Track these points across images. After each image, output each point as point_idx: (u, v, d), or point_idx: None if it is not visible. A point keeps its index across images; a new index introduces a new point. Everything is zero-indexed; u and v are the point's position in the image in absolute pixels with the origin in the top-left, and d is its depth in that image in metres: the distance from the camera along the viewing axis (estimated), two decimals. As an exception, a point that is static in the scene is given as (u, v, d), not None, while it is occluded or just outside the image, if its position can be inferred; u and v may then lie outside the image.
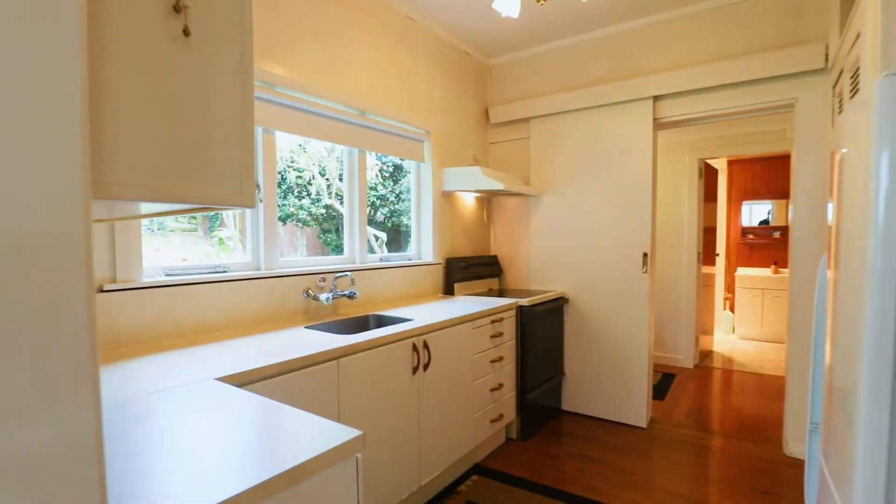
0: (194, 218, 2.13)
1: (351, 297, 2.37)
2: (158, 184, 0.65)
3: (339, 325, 2.25)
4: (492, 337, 2.60)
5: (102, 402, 0.65)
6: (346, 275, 2.32)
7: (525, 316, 2.86)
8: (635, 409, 3.11)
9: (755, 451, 2.78)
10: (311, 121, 2.35)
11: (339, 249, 2.71)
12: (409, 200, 3.17)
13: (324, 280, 2.35)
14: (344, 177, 2.67)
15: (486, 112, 3.70)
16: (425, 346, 2.09)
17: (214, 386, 1.23)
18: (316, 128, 2.37)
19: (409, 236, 3.18)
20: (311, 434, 0.91)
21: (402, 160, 3.09)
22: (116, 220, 1.45)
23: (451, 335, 2.26)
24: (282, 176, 2.51)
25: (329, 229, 2.71)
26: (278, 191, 2.49)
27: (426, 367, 2.10)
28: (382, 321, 2.39)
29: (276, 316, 2.14)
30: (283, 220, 2.35)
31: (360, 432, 0.91)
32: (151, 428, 0.96)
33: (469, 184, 3.07)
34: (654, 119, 3.02)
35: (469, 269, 3.28)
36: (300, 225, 2.53)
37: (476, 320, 2.46)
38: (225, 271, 2.04)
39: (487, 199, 3.71)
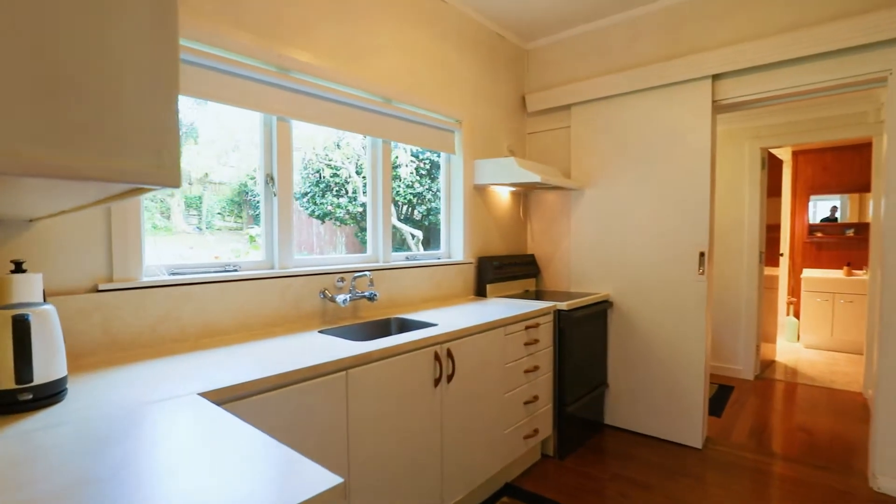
0: (240, 217, 2.02)
1: (371, 298, 2.19)
2: (31, 153, 0.47)
3: (356, 330, 2.07)
4: (526, 344, 2.36)
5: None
6: (365, 275, 2.14)
7: (564, 321, 2.59)
8: (688, 426, 2.78)
9: (832, 483, 2.40)
10: (330, 109, 2.18)
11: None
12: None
13: (342, 280, 2.18)
14: (367, 169, 2.50)
15: (523, 100, 3.44)
16: (449, 354, 1.88)
17: (192, 404, 1.06)
18: (335, 116, 2.20)
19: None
20: (276, 482, 0.72)
21: (436, 155, 2.89)
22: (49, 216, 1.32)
23: (479, 342, 2.04)
24: (319, 175, 2.39)
25: (366, 228, 2.58)
26: (316, 189, 2.36)
27: (450, 378, 1.89)
28: (405, 325, 2.20)
29: (289, 319, 1.99)
30: (322, 218, 2.22)
31: (341, 480, 0.71)
32: (50, 465, 0.79)
33: (503, 176, 2.84)
34: (713, 101, 2.68)
35: (503, 269, 3.04)
36: (338, 224, 2.40)
37: (508, 326, 2.22)
38: (235, 270, 1.91)
39: (524, 194, 3.45)
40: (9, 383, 1.04)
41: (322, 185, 2.33)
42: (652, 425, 2.91)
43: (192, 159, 1.92)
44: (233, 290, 1.81)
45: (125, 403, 1.07)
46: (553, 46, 3.32)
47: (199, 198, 1.75)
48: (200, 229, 1.83)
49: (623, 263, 2.99)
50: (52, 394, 1.09)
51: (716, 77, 2.65)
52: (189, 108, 1.93)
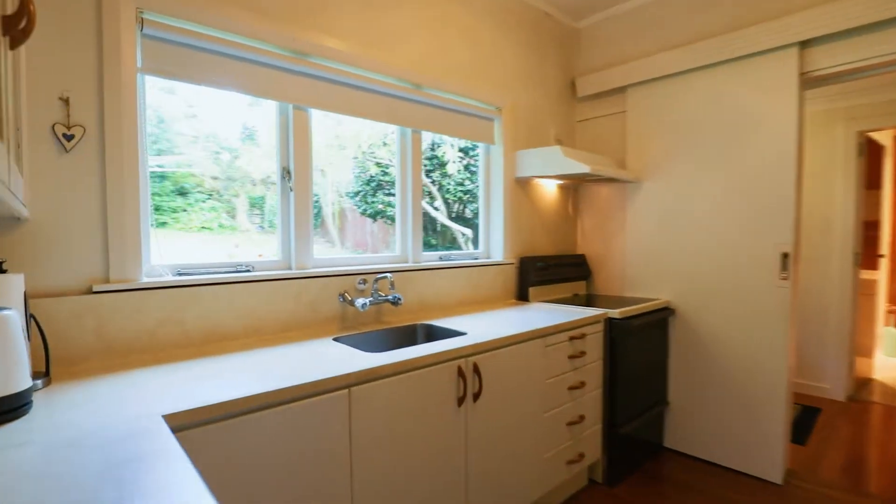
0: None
1: (395, 303, 2.00)
2: None
3: (376, 338, 1.89)
4: (571, 357, 2.07)
5: None
6: (386, 276, 1.95)
7: (616, 330, 2.28)
8: (766, 455, 2.37)
9: (961, 541, 1.93)
10: (352, 96, 2.01)
11: (427, 248, 2.46)
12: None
13: (364, 282, 2.00)
14: (395, 161, 2.31)
15: (572, 84, 3.12)
16: (476, 369, 1.65)
17: (142, 433, 0.90)
18: (358, 104, 2.03)
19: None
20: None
21: (474, 147, 2.65)
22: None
23: (513, 355, 1.79)
24: (372, 175, 2.25)
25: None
26: (367, 188, 2.23)
27: (476, 396, 1.66)
28: (433, 333, 1.99)
29: (304, 323, 1.84)
30: (374, 216, 2.18)
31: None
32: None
33: (549, 167, 2.55)
34: (801, 74, 2.25)
35: (548, 270, 2.76)
36: (391, 222, 2.26)
37: (549, 336, 1.95)
38: (248, 270, 1.77)
39: (573, 188, 3.13)
40: None
41: (373, 184, 2.20)
42: (721, 452, 2.52)
43: (253, 160, 1.85)
44: (242, 291, 1.67)
45: (72, 428, 0.93)
46: (606, 23, 2.97)
47: (262, 198, 1.75)
48: (263, 228, 1.82)
49: (687, 265, 2.61)
50: (8, 409, 0.97)
51: (804, 44, 2.22)
52: (246, 110, 1.83)
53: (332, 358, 1.44)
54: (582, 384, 2.14)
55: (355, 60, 1.97)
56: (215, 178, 1.58)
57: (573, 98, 3.13)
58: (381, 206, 2.29)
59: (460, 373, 1.59)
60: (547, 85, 2.93)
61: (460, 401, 1.60)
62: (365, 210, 2.26)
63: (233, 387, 1.16)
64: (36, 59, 1.30)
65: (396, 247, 2.31)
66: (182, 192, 1.54)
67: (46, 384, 1.22)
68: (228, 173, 1.62)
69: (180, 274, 1.62)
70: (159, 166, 1.53)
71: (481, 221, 2.72)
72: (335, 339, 1.72)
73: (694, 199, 2.58)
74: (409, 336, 2.00)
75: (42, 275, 1.32)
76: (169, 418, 0.99)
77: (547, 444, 1.97)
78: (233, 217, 1.63)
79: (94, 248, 1.40)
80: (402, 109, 2.19)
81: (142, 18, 1.47)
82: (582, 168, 2.40)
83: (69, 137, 1.35)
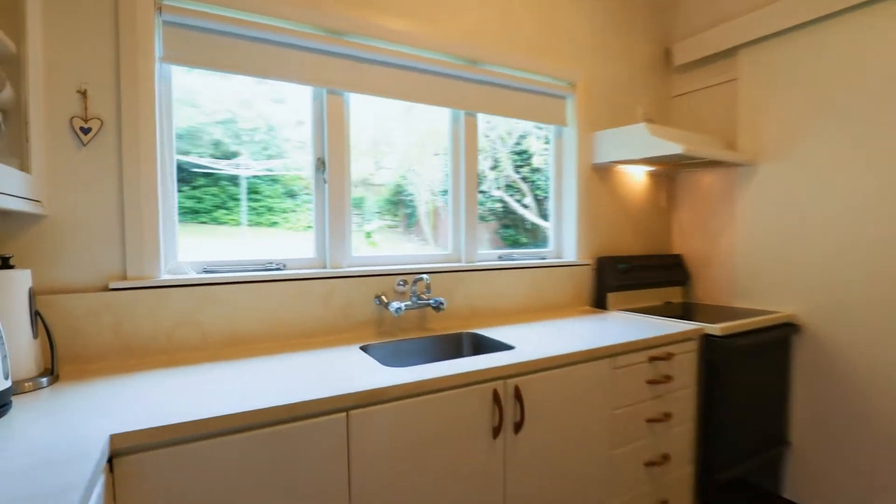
0: (396, 216, 1.86)
1: (437, 307, 1.77)
2: None
3: (412, 348, 1.67)
4: (651, 382, 1.68)
5: None
6: (422, 278, 1.72)
7: (715, 351, 1.82)
8: (940, 534, 1.74)
9: None
10: (394, 76, 1.81)
11: (516, 246, 2.29)
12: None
13: (404, 283, 1.80)
14: (448, 147, 2.07)
15: (666, 53, 2.63)
16: (517, 394, 1.35)
17: (82, 457, 0.77)
18: (401, 85, 1.83)
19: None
20: None
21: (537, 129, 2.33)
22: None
23: (569, 378, 1.46)
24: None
25: (508, 224, 2.25)
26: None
27: (518, 426, 1.36)
28: (481, 345, 1.73)
29: (335, 328, 1.68)
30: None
31: None
32: None
33: (632, 150, 2.13)
34: None
35: (632, 273, 2.33)
36: (480, 221, 2.10)
37: (620, 355, 1.59)
38: (279, 268, 1.66)
39: (667, 176, 2.64)
40: None
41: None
42: (867, 517, 1.91)
43: (352, 162, 1.82)
44: (264, 291, 1.56)
45: (21, 441, 0.84)
46: (713, -28, 2.44)
47: (362, 199, 1.82)
48: (359, 225, 1.86)
49: (821, 271, 2.03)
50: None
51: None
52: (354, 109, 1.80)
53: (341, 371, 1.25)
54: (666, 416, 1.73)
55: (398, 36, 1.77)
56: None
57: (667, 69, 2.64)
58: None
59: (496, 398, 1.31)
60: (632, 56, 2.49)
61: (496, 431, 1.32)
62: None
63: (201, 403, 1.01)
64: (54, 53, 1.28)
65: (448, 244, 2.08)
66: (291, 194, 1.61)
67: (52, 382, 1.18)
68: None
69: (206, 272, 1.55)
70: (268, 170, 1.61)
71: (551, 216, 2.38)
72: (362, 348, 1.54)
73: (833, 185, 1.99)
74: (451, 347, 1.76)
75: (61, 271, 1.30)
76: (116, 438, 0.86)
77: (616, 488, 1.60)
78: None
79: (113, 245, 1.36)
80: (454, 89, 1.95)
81: (160, 4, 1.41)
82: (673, 149, 1.95)
83: (86, 131, 1.31)
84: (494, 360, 1.35)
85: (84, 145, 1.32)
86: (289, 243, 1.73)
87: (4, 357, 0.97)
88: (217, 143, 1.59)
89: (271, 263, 1.66)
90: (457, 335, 1.77)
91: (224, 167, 1.60)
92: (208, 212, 1.59)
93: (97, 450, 0.80)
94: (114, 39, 1.34)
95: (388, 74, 1.80)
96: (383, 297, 1.75)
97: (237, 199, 1.63)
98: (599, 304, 2.32)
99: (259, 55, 1.56)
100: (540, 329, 1.80)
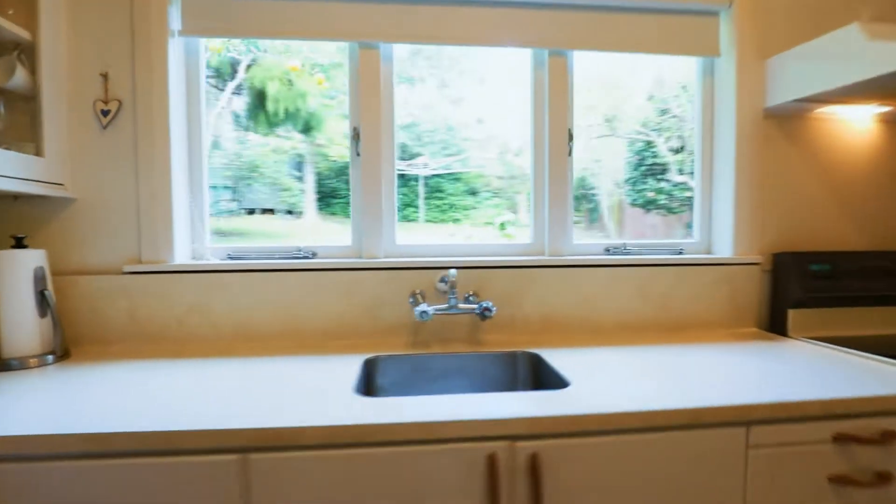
0: (579, 211, 1.67)
1: (483, 316, 1.32)
2: None
3: (439, 368, 1.27)
4: (836, 481, 0.92)
5: None
6: (449, 272, 1.29)
7: None
8: None
9: None
10: (444, 16, 1.42)
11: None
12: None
13: (445, 280, 1.40)
14: (528, 100, 1.57)
15: None
16: (533, 467, 0.84)
17: None
18: (454, 27, 1.42)
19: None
20: None
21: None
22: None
23: (647, 450, 0.87)
24: (641, 157, 1.72)
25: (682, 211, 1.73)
26: (636, 173, 1.68)
27: (534, 519, 0.85)
28: (540, 373, 1.23)
29: (356, 331, 1.40)
30: (645, 206, 1.71)
31: None
32: None
33: (837, 73, 1.27)
34: None
35: (837, 279, 1.44)
36: (666, 213, 1.69)
37: (760, 425, 0.90)
38: (308, 256, 1.46)
39: (929, 120, 1.58)
40: None
41: (643, 168, 1.64)
42: None
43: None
44: (280, 282, 1.37)
45: None
46: None
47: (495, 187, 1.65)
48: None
49: None
50: None
51: None
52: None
53: (294, 390, 0.95)
54: (874, 550, 0.94)
55: (443, -37, 1.37)
56: (500, 178, 1.61)
57: (940, -63, 1.56)
58: (651, 195, 1.67)
59: (492, 467, 0.84)
60: (862, -75, 1.52)
61: (492, 518, 0.85)
62: (635, 200, 1.67)
63: (139, 413, 0.83)
64: (77, 38, 1.30)
65: (530, 231, 1.58)
66: (473, 192, 1.59)
67: (60, 360, 1.20)
68: (510, 172, 1.61)
69: (230, 258, 1.44)
70: (444, 168, 1.59)
71: (695, 191, 1.64)
72: (367, 361, 1.21)
73: None
74: (501, 371, 1.29)
75: (84, 253, 1.33)
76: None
77: None
78: (515, 212, 1.60)
79: (131, 228, 1.34)
80: (534, 22, 1.45)
81: (174, -28, 1.33)
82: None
83: (105, 113, 1.31)
84: (501, 409, 0.87)
85: (104, 128, 1.31)
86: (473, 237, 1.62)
87: (-41, 336, 0.97)
88: (403, 147, 1.55)
89: (300, 251, 1.47)
90: (511, 354, 1.29)
91: (405, 168, 1.56)
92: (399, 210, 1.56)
93: None
94: (129, 17, 1.31)
95: (436, 14, 1.42)
96: (419, 297, 1.39)
97: (433, 198, 1.60)
98: (776, 326, 1.49)
99: (282, 15, 1.37)
100: (644, 358, 1.19)
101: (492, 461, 0.83)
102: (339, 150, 1.52)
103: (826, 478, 0.93)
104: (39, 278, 1.20)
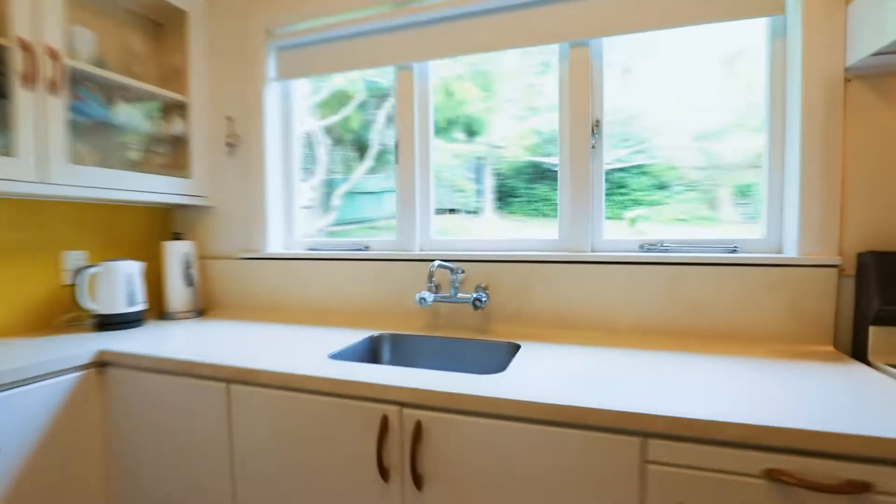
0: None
1: (476, 305, 1.41)
2: None
3: (432, 349, 1.41)
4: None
5: None
6: (448, 266, 1.40)
7: None
8: None
9: None
10: (470, 28, 1.55)
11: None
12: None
13: (462, 271, 1.52)
14: (559, 94, 1.56)
15: None
16: (416, 432, 0.95)
17: (52, 358, 1.20)
18: (479, 37, 1.54)
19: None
20: None
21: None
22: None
23: (547, 443, 0.88)
24: None
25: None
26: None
27: (418, 480, 0.95)
28: (508, 363, 1.27)
29: (385, 312, 1.64)
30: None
31: None
32: None
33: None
34: None
35: None
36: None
37: (654, 438, 0.81)
38: (363, 249, 1.77)
39: None
40: (117, 306, 1.55)
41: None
42: None
43: (738, 146, 1.43)
44: (329, 268, 1.71)
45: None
46: None
47: (749, 186, 1.44)
48: (749, 216, 1.43)
49: None
50: (121, 324, 1.53)
51: None
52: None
53: (288, 347, 1.26)
54: None
55: (458, -19, 1.50)
56: (697, 169, 1.46)
57: None
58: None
59: (384, 427, 0.98)
60: None
61: (384, 474, 0.99)
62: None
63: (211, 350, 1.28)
64: (214, 96, 1.87)
65: (558, 226, 1.57)
66: (662, 186, 1.48)
67: (198, 316, 1.77)
68: (711, 163, 1.45)
69: (310, 249, 1.85)
70: (619, 160, 1.51)
71: (763, 180, 1.36)
72: (373, 338, 1.44)
73: None
74: (483, 356, 1.36)
75: (218, 244, 1.90)
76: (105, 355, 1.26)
77: None
78: (714, 208, 1.44)
79: (243, 226, 1.85)
80: (551, 19, 1.45)
81: (271, 32, 1.78)
82: None
83: (230, 145, 1.85)
84: (394, 378, 1.00)
85: (230, 156, 1.86)
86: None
87: (131, 294, 1.56)
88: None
89: (359, 245, 1.79)
90: (495, 343, 1.36)
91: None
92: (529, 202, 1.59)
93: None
94: (243, 75, 1.82)
95: (464, 28, 1.55)
96: (433, 287, 1.55)
97: (615, 194, 1.49)
98: (858, 345, 1.16)
99: (345, 51, 1.70)
100: (628, 362, 1.12)
101: (385, 421, 0.98)
102: (515, 152, 1.58)
103: (755, 518, 0.77)
104: (187, 261, 1.79)
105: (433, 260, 1.57)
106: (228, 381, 1.13)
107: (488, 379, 0.99)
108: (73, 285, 1.56)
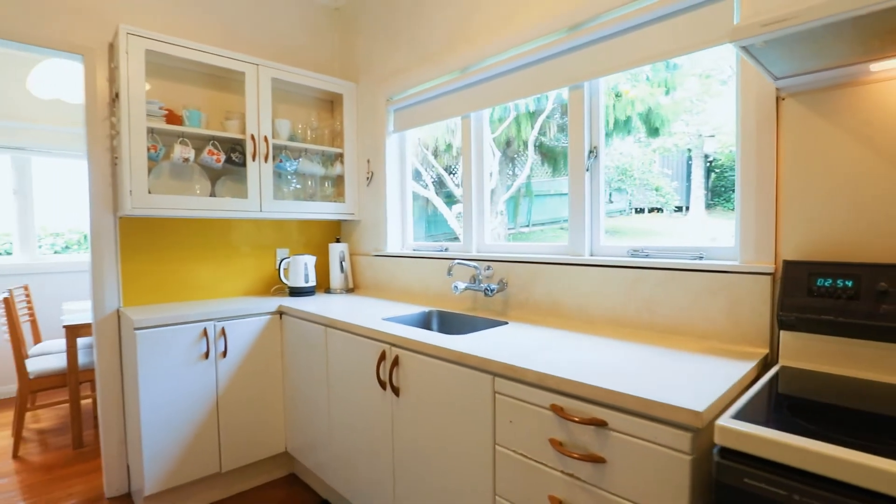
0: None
1: (486, 293, 1.88)
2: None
3: (463, 321, 1.95)
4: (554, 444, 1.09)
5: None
6: (471, 266, 1.90)
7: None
8: None
9: None
10: (498, 84, 2.03)
11: None
12: None
13: (489, 268, 2.01)
14: (584, 126, 1.89)
15: None
16: (395, 363, 1.54)
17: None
18: (503, 90, 2.01)
19: None
20: (139, 317, 1.94)
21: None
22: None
23: (447, 376, 1.39)
24: None
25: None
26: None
27: (396, 391, 1.54)
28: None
29: (446, 297, 2.23)
30: None
31: (118, 321, 1.83)
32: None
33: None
34: None
35: (863, 300, 1.06)
36: None
37: (504, 379, 1.21)
38: (445, 249, 2.41)
39: None
40: (299, 282, 2.59)
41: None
42: None
43: None
44: (420, 265, 2.40)
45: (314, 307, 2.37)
46: None
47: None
48: None
49: None
50: (301, 293, 2.55)
51: None
52: None
53: (354, 308, 2.00)
54: None
55: (500, 45, 1.98)
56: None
57: None
58: None
59: (382, 357, 1.60)
60: None
61: (383, 384, 1.61)
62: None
63: (362, 315, 2.18)
64: (359, 146, 2.77)
65: (567, 234, 1.89)
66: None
67: (348, 292, 2.71)
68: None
69: (415, 249, 2.58)
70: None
71: (737, 190, 1.44)
72: (429, 312, 2.07)
73: None
74: (482, 326, 1.83)
75: (362, 245, 2.80)
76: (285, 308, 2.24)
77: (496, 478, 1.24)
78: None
79: (376, 234, 2.71)
80: (548, 71, 1.83)
81: (389, 99, 2.59)
82: None
83: (368, 179, 2.73)
84: (386, 327, 1.61)
85: (368, 186, 2.74)
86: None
87: (307, 275, 2.57)
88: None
89: (443, 248, 2.43)
90: (495, 322, 1.81)
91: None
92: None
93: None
94: (374, 129, 2.67)
95: (494, 85, 2.04)
96: (476, 278, 2.07)
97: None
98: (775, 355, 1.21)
99: (429, 109, 2.38)
100: (582, 343, 1.49)
101: (383, 353, 1.61)
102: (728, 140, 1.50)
103: (547, 439, 1.12)
104: (342, 256, 2.74)
105: (487, 261, 2.08)
106: (326, 325, 1.93)
107: (450, 338, 1.51)
108: (278, 269, 2.66)
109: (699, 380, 1.04)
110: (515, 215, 2.33)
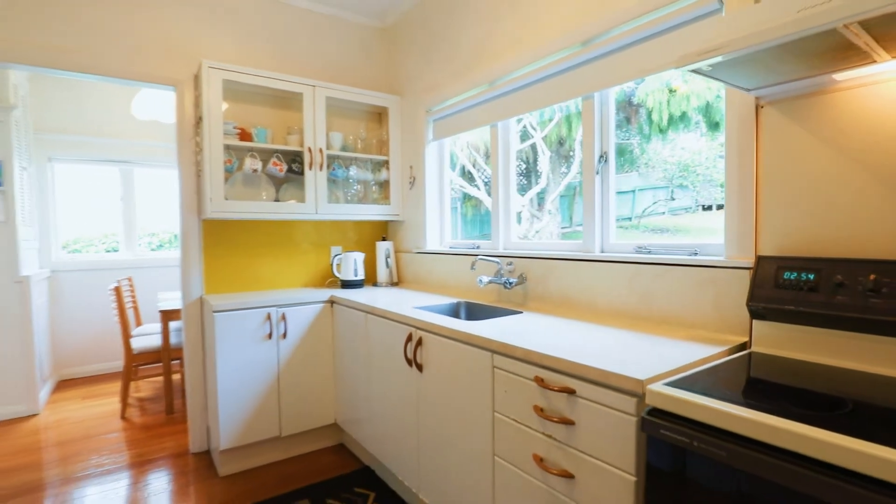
0: None
1: (506, 286, 2.08)
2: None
3: (483, 310, 2.17)
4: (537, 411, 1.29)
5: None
6: (494, 261, 2.11)
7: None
8: None
9: None
10: (520, 97, 2.23)
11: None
12: None
13: (510, 264, 2.21)
14: (581, 135, 2.04)
15: None
16: (419, 343, 1.79)
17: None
18: (524, 101, 2.21)
19: None
20: (217, 302, 2.34)
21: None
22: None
23: (455, 354, 1.63)
24: None
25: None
26: None
27: (420, 367, 1.79)
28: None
29: (473, 290, 2.44)
30: None
31: (200, 304, 2.24)
32: (269, 294, 2.64)
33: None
34: None
35: (827, 293, 1.15)
36: None
37: (500, 356, 1.43)
38: (476, 247, 2.64)
39: None
40: (350, 276, 2.93)
41: None
42: None
43: None
44: (452, 261, 2.64)
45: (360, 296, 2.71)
46: None
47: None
48: None
49: None
50: (355, 285, 2.89)
51: None
52: None
53: (393, 298, 2.28)
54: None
55: (515, 64, 2.18)
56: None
57: None
58: None
59: (409, 338, 1.86)
60: None
61: (409, 361, 1.87)
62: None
63: (396, 305, 2.50)
64: (402, 155, 3.06)
65: (583, 235, 2.05)
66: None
67: (394, 285, 3.01)
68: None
69: (451, 247, 2.83)
70: None
71: (725, 190, 1.55)
72: (456, 304, 2.31)
73: None
74: (499, 315, 2.04)
75: (406, 243, 3.09)
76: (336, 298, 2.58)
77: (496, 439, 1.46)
78: None
79: (416, 232, 2.98)
80: (569, 81, 2.00)
81: (428, 110, 2.85)
82: (710, 57, 1.07)
83: (410, 183, 3.01)
84: (418, 315, 1.87)
85: (410, 189, 3.02)
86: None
87: (356, 270, 2.90)
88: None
89: (475, 246, 2.66)
90: (512, 311, 2.01)
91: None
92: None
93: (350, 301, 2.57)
94: (415, 139, 2.95)
95: (518, 97, 2.24)
96: (501, 273, 2.28)
97: None
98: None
99: (468, 117, 2.62)
100: (589, 331, 1.68)
101: (409, 335, 1.87)
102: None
103: (532, 406, 1.32)
104: (388, 253, 3.05)
105: (508, 257, 2.29)
106: (366, 312, 2.23)
107: (463, 322, 1.74)
108: (332, 264, 3.00)
109: (663, 359, 1.20)
110: (570, 214, 2.46)
